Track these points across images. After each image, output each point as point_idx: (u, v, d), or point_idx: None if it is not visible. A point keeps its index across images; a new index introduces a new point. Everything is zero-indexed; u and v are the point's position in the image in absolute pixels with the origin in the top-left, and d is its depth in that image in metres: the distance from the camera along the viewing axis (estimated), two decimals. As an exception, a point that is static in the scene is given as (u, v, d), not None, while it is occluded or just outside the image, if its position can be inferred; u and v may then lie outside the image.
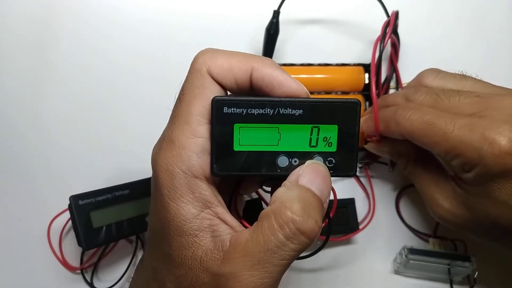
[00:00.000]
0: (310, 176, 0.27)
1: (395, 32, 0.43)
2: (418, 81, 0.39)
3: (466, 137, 0.31)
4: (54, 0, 0.46)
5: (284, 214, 0.25)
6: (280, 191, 0.27)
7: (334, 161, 0.28)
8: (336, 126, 0.28)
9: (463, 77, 0.37)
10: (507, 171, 0.31)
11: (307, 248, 0.26)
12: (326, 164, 0.28)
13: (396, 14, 0.41)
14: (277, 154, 0.28)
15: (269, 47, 0.43)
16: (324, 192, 0.27)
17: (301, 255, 0.31)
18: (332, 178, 0.28)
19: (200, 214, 0.27)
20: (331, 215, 0.30)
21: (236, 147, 0.27)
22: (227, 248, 0.26)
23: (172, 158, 0.27)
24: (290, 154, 0.28)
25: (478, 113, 0.32)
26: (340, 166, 0.28)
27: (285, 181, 0.27)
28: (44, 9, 0.46)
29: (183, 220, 0.27)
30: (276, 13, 0.42)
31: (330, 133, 0.28)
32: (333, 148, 0.28)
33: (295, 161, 0.28)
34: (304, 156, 0.28)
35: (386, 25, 0.40)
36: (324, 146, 0.28)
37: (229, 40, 0.46)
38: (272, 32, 0.42)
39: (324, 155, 0.28)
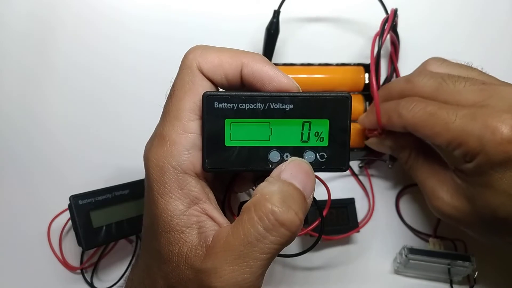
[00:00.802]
0: (292, 171, 0.27)
1: (394, 30, 0.43)
2: (423, 68, 0.39)
3: (468, 126, 0.31)
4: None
5: (264, 206, 0.25)
6: (261, 185, 0.27)
7: (326, 156, 0.28)
8: (327, 121, 0.28)
9: (469, 67, 0.37)
10: (508, 159, 0.31)
11: (289, 242, 0.26)
12: (318, 159, 0.28)
13: (395, 12, 0.41)
14: (268, 149, 0.28)
15: (269, 47, 0.43)
16: (306, 187, 0.27)
17: (293, 253, 0.31)
18: (327, 174, 0.28)
19: (188, 211, 0.27)
20: (324, 213, 0.30)
21: (228, 143, 0.27)
22: (209, 244, 0.26)
23: (163, 154, 0.27)
24: (281, 149, 0.28)
25: (481, 102, 0.32)
26: (332, 161, 0.28)
27: (268, 177, 0.27)
28: (44, 8, 0.46)
29: (170, 216, 0.27)
30: (277, 13, 0.42)
31: (321, 127, 0.28)
32: (325, 143, 0.28)
33: (287, 156, 0.28)
34: (296, 151, 0.28)
35: (385, 21, 0.40)
36: (316, 141, 0.28)
37: (229, 39, 0.46)
38: (272, 31, 0.42)
39: (316, 150, 0.28)
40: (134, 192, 0.40)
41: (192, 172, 0.27)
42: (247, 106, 0.27)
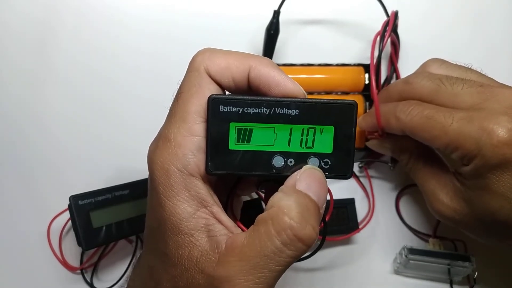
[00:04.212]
0: (307, 181, 0.27)
1: (395, 31, 0.43)
2: (422, 69, 0.39)
3: (465, 129, 0.31)
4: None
5: (282, 220, 0.25)
6: (277, 196, 0.27)
7: (330, 163, 0.28)
8: (332, 127, 0.27)
9: (468, 69, 0.37)
10: (505, 161, 0.31)
11: (304, 254, 0.26)
12: (321, 166, 0.28)
13: (396, 14, 0.41)
14: (272, 154, 0.28)
15: (269, 47, 0.43)
16: (321, 197, 0.27)
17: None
18: (327, 180, 0.28)
19: (196, 213, 0.27)
20: (327, 218, 0.30)
21: (232, 146, 0.27)
22: (222, 251, 0.26)
23: (168, 156, 0.27)
24: (285, 155, 0.28)
25: (478, 105, 0.33)
26: (336, 168, 0.28)
27: (282, 186, 0.27)
28: (45, 9, 0.46)
29: (179, 219, 0.27)
30: (276, 13, 0.42)
31: (326, 134, 0.28)
32: (329, 150, 0.28)
33: (291, 162, 0.28)
34: (299, 157, 0.28)
35: (386, 23, 0.41)
36: (320, 147, 0.28)
37: (229, 40, 0.46)
38: (272, 32, 0.42)
39: (320, 156, 0.28)
40: (134, 192, 0.40)
41: (197, 174, 0.27)
42: (253, 110, 0.27)
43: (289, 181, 0.27)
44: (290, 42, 0.46)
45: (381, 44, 0.40)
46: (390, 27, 0.40)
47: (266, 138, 0.27)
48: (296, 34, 0.46)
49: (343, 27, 0.47)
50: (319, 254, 0.43)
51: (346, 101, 0.27)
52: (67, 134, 0.44)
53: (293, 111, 0.27)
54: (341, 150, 0.28)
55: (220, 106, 0.27)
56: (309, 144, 0.28)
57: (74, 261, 0.42)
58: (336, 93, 0.44)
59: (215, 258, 0.26)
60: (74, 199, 0.38)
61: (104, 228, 0.39)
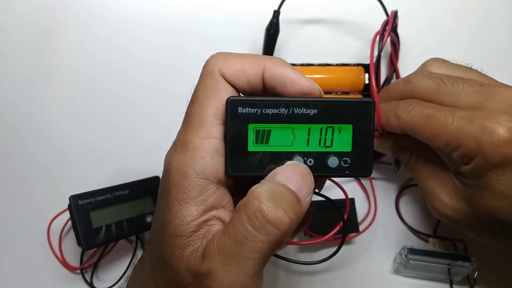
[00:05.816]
0: (286, 173, 0.27)
1: (394, 31, 0.43)
2: (422, 69, 0.39)
3: (466, 128, 0.31)
4: (54, 2, 0.46)
5: (252, 204, 0.25)
6: (254, 186, 0.26)
7: (349, 161, 0.28)
8: (350, 126, 0.27)
9: (468, 68, 0.37)
10: (506, 160, 0.31)
11: (280, 241, 0.25)
12: (341, 164, 0.28)
13: (395, 14, 0.41)
14: (291, 154, 0.27)
15: (269, 47, 0.43)
16: (301, 189, 0.26)
17: (313, 260, 0.30)
18: (348, 178, 0.28)
19: (201, 217, 0.27)
20: (345, 217, 0.30)
21: (251, 148, 0.27)
22: (205, 246, 0.26)
23: (186, 159, 0.26)
24: (305, 155, 0.28)
25: (478, 104, 0.33)
26: (355, 166, 0.28)
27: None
28: (44, 11, 0.46)
29: (182, 221, 0.26)
30: (276, 13, 0.42)
31: (344, 133, 0.27)
32: (348, 148, 0.28)
33: (310, 162, 0.28)
34: (319, 156, 0.28)
35: (386, 23, 0.41)
36: (339, 146, 0.28)
37: (229, 39, 0.46)
38: (272, 32, 0.42)
39: (339, 155, 0.28)
40: (134, 192, 0.40)
41: (214, 178, 0.27)
42: (271, 111, 0.27)
43: (270, 174, 0.27)
44: (290, 42, 0.46)
45: (381, 44, 0.40)
46: (390, 27, 0.40)
47: (284, 139, 0.27)
48: (296, 34, 0.46)
49: (343, 27, 0.47)
50: (318, 254, 0.43)
51: (364, 100, 0.27)
52: (67, 134, 0.44)
53: (311, 111, 0.27)
54: (360, 148, 0.28)
55: (239, 107, 0.27)
56: (328, 143, 0.28)
57: (74, 261, 0.42)
58: (336, 93, 0.44)
59: (200, 254, 0.26)
60: (74, 199, 0.38)
61: (104, 228, 0.39)
